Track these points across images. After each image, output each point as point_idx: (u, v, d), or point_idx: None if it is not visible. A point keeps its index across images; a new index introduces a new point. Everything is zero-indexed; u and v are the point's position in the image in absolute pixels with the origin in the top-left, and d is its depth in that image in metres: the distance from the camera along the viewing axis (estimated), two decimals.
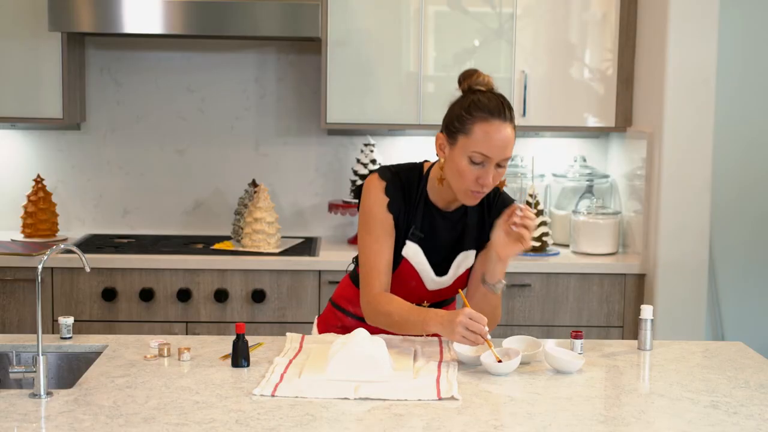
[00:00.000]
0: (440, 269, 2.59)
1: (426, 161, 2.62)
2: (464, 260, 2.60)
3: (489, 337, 2.36)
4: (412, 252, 2.55)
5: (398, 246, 2.55)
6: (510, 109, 2.42)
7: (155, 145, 4.47)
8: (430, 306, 2.63)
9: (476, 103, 2.41)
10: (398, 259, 2.56)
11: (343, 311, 2.74)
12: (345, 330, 2.66)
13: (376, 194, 2.53)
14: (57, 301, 3.92)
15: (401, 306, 2.48)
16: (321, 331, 2.79)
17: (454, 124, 2.44)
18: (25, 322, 3.92)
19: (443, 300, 2.68)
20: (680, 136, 3.88)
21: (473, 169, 2.41)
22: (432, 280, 2.59)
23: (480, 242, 2.60)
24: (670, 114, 3.86)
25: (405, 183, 2.54)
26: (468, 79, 2.48)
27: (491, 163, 2.40)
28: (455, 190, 2.47)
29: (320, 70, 4.18)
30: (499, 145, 2.39)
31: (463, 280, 2.62)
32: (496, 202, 2.60)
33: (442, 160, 2.48)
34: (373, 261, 2.52)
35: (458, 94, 2.49)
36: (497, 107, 2.40)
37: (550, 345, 2.46)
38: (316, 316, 2.84)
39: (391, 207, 2.52)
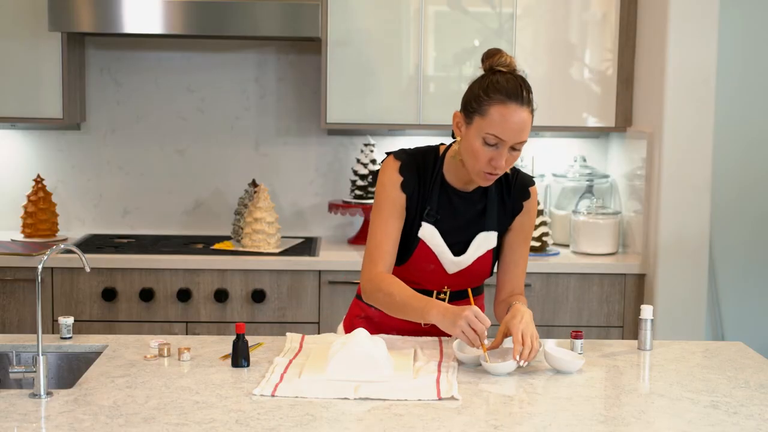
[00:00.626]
0: (458, 250, 2.56)
1: (442, 144, 2.61)
2: (485, 241, 2.57)
3: (487, 342, 2.36)
4: (429, 233, 2.53)
5: (415, 228, 2.54)
6: (529, 91, 2.41)
7: (155, 145, 4.47)
8: (451, 293, 2.61)
9: (494, 85, 2.40)
10: (415, 241, 2.54)
11: (366, 302, 2.71)
12: (368, 320, 2.65)
13: (390, 174, 2.53)
14: (57, 301, 3.92)
15: (404, 289, 2.47)
16: (347, 329, 2.75)
17: (471, 104, 2.43)
18: (25, 322, 3.92)
19: (464, 289, 2.64)
20: (680, 136, 3.88)
21: (487, 150, 2.40)
22: (451, 262, 2.56)
23: (501, 224, 2.59)
24: (670, 114, 3.86)
25: (420, 163, 2.54)
26: (490, 58, 2.47)
27: (505, 146, 2.39)
28: (469, 170, 2.46)
29: (320, 70, 4.18)
30: (515, 128, 2.38)
31: (485, 262, 2.60)
32: (515, 182, 2.59)
33: (459, 139, 2.48)
34: (379, 240, 2.52)
35: (480, 73, 2.48)
36: (515, 90, 2.38)
37: (550, 345, 2.46)
38: (342, 323, 2.82)
39: (404, 186, 2.51)
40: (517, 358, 2.33)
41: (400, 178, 2.52)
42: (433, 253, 2.55)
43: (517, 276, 2.63)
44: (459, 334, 2.35)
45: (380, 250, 2.52)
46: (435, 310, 2.39)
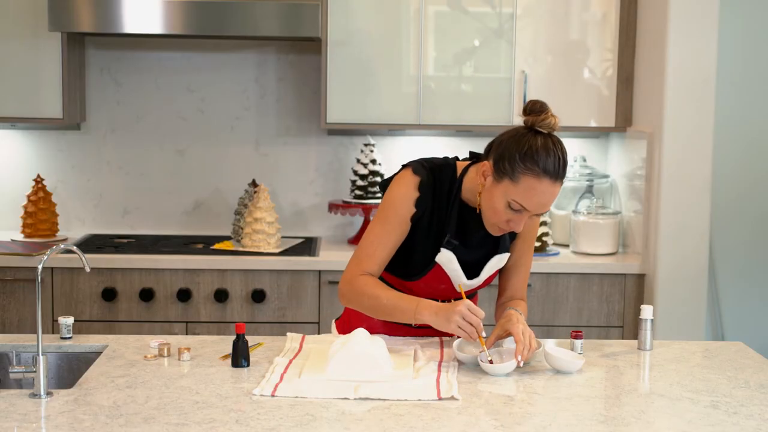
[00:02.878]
0: (472, 272, 2.54)
1: (457, 159, 2.55)
2: (498, 263, 2.55)
3: (484, 334, 2.36)
4: (446, 259, 2.49)
5: (430, 251, 2.51)
6: (565, 166, 2.35)
7: (155, 145, 4.47)
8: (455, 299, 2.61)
9: (533, 155, 2.31)
10: (431, 264, 2.51)
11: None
12: (369, 330, 2.64)
13: (407, 189, 2.47)
14: (57, 301, 3.92)
15: (389, 291, 2.45)
16: (340, 329, 2.74)
17: (504, 164, 2.35)
18: (25, 322, 3.92)
19: (468, 296, 2.63)
20: (680, 136, 3.88)
21: (509, 212, 2.37)
22: (463, 285, 2.54)
23: (511, 239, 2.57)
24: (670, 114, 3.86)
25: (438, 182, 2.49)
26: (534, 115, 2.36)
27: (528, 213, 2.37)
28: (484, 217, 2.43)
29: (320, 70, 4.18)
30: (542, 203, 2.35)
31: (492, 277, 2.60)
32: None
33: (481, 186, 2.42)
34: (373, 250, 2.48)
35: (519, 121, 2.40)
36: (553, 166, 2.32)
37: (550, 345, 2.46)
38: (334, 320, 2.81)
39: (419, 202, 2.46)
40: (519, 358, 2.34)
41: (417, 194, 2.46)
42: (447, 276, 2.53)
43: (519, 281, 2.63)
44: (455, 330, 2.35)
45: (371, 259, 2.48)
46: (427, 310, 2.39)
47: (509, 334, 2.42)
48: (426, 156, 2.61)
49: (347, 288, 2.50)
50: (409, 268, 2.54)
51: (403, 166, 2.53)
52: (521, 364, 2.36)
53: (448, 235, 2.48)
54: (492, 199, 2.39)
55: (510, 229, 2.41)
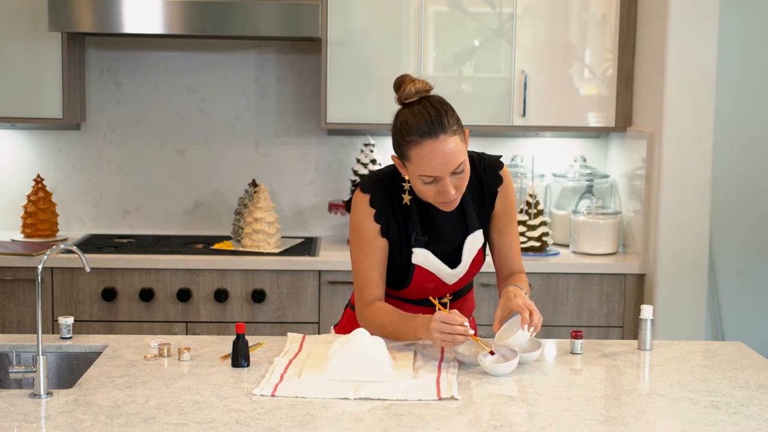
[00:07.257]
0: (453, 261, 2.55)
1: None
2: (473, 242, 2.56)
3: (471, 331, 2.36)
4: (422, 257, 2.52)
5: (405, 255, 2.53)
6: (441, 116, 2.33)
7: (155, 145, 4.47)
8: (453, 295, 2.62)
9: (405, 127, 2.34)
10: (411, 268, 2.53)
11: None
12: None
13: (362, 209, 2.51)
14: (57, 301, 3.92)
15: (392, 317, 2.48)
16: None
17: (396, 151, 2.40)
18: (25, 322, 3.92)
19: (463, 287, 2.66)
20: (680, 136, 3.88)
21: (430, 187, 2.38)
22: (449, 275, 2.56)
23: (483, 218, 2.58)
24: (670, 114, 3.86)
25: (389, 188, 2.51)
26: (398, 91, 2.40)
27: (444, 177, 2.35)
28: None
29: (320, 70, 4.18)
30: (441, 162, 2.33)
31: (479, 260, 2.60)
32: (485, 171, 2.55)
33: (407, 178, 2.46)
34: (364, 276, 2.52)
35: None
36: (426, 124, 2.32)
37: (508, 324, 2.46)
38: (333, 326, 2.82)
39: (378, 217, 2.50)
40: (526, 327, 2.35)
41: (373, 211, 2.49)
42: (431, 272, 2.55)
43: (512, 257, 2.63)
44: (441, 344, 2.36)
45: (368, 285, 2.52)
46: (420, 328, 2.40)
47: (510, 312, 2.43)
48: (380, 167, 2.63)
49: (360, 321, 2.55)
50: (394, 279, 2.57)
51: (356, 186, 2.56)
52: (533, 335, 2.37)
53: (413, 233, 2.50)
54: (413, 183, 2.41)
55: (445, 200, 2.39)
